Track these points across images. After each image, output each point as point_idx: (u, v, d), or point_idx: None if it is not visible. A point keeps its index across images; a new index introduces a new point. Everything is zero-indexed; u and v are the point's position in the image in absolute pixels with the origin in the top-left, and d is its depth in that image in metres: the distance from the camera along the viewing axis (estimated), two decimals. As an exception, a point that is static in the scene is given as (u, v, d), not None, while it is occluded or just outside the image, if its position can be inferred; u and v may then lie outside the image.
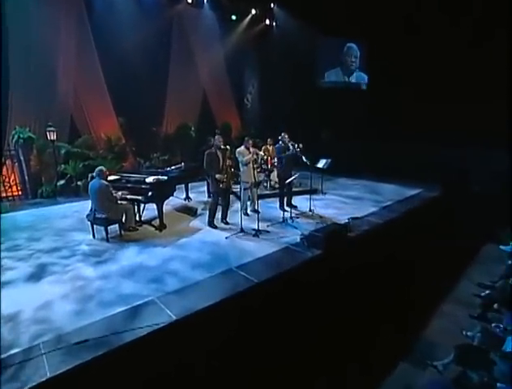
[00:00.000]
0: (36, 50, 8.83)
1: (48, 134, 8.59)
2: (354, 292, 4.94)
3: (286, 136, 7.07)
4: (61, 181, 8.82)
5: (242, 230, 5.98)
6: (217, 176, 6.05)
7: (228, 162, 6.32)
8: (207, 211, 6.54)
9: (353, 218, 6.62)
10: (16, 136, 8.35)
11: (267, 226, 6.31)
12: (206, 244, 5.57)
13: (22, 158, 8.55)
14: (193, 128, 11.94)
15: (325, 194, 8.82)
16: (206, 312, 3.73)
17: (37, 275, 4.52)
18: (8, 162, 8.64)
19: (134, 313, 3.64)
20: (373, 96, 12.34)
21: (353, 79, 13.94)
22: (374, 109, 12.00)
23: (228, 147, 6.31)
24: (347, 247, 5.59)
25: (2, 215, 7.30)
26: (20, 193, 8.78)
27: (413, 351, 4.37)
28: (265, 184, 9.09)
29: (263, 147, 9.16)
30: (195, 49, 12.31)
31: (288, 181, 6.68)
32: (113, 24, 10.00)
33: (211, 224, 6.35)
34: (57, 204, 8.26)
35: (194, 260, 4.95)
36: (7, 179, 8.52)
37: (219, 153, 6.12)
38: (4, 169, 8.56)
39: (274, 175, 8.73)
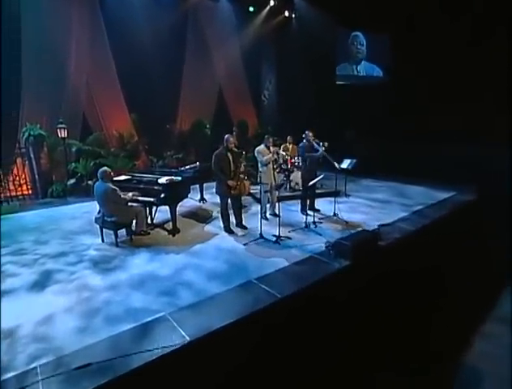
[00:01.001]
0: (47, 45, 8.71)
1: (58, 131, 8.44)
2: (385, 307, 4.49)
3: (310, 134, 6.66)
4: (72, 180, 8.65)
5: (262, 236, 5.59)
6: (229, 182, 5.64)
7: (242, 167, 5.91)
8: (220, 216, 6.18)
9: (382, 224, 6.13)
10: (26, 133, 8.21)
11: (289, 232, 5.90)
12: (223, 251, 5.20)
13: (32, 156, 8.40)
14: (208, 125, 11.64)
15: (349, 196, 8.35)
16: (224, 332, 3.36)
17: (41, 283, 4.24)
18: (18, 160, 8.51)
19: (143, 332, 3.30)
20: (398, 94, 11.75)
21: (361, 71, 13.36)
22: (399, 106, 11.44)
23: (242, 151, 5.94)
24: (377, 258, 5.13)
25: (11, 215, 7.15)
26: (30, 192, 8.64)
27: (453, 377, 3.90)
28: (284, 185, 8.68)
29: (282, 146, 8.76)
30: (211, 43, 12.02)
31: (311, 182, 6.25)
32: (126, 18, 9.79)
33: (227, 229, 5.99)
34: (67, 204, 8.08)
35: (209, 270, 4.59)
36: (17, 178, 8.38)
37: (229, 155, 5.71)
38: (14, 168, 8.44)
39: (294, 176, 8.33)
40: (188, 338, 3.19)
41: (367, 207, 7.59)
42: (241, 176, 5.92)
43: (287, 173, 8.39)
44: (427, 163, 10.01)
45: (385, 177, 10.34)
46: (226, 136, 5.80)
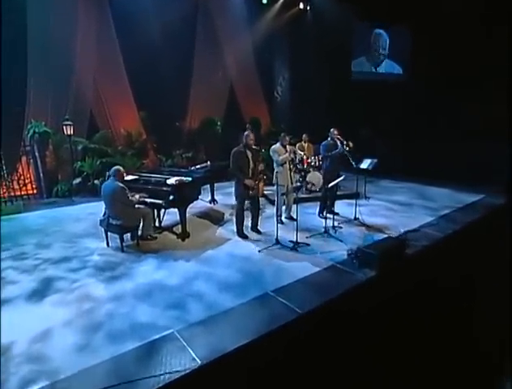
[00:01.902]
0: (54, 41, 8.50)
1: (64, 128, 8.21)
2: (414, 321, 4.10)
3: (336, 132, 6.29)
4: (78, 180, 8.43)
5: (278, 242, 5.24)
6: (246, 181, 5.33)
7: (260, 166, 5.60)
8: (234, 218, 5.85)
9: (409, 230, 5.72)
10: (31, 131, 8.01)
11: (306, 237, 5.54)
12: (236, 258, 4.87)
13: (37, 154, 8.21)
14: (219, 123, 11.30)
15: (368, 198, 7.93)
16: (238, 354, 3.03)
17: (40, 292, 3.97)
18: (23, 159, 8.33)
19: (148, 352, 2.98)
20: (419, 91, 11.26)
21: (381, 70, 12.90)
22: (419, 104, 10.96)
23: (260, 148, 5.61)
24: (405, 267, 4.73)
25: (14, 216, 6.95)
26: (35, 191, 8.44)
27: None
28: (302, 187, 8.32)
29: (297, 145, 8.42)
30: (222, 37, 11.68)
31: (332, 183, 5.87)
32: (134, 11, 9.48)
33: (240, 233, 5.66)
34: (72, 204, 7.86)
35: (221, 279, 4.26)
36: (22, 177, 8.18)
37: (248, 153, 5.41)
38: (19, 166, 8.26)
39: (310, 176, 7.96)
40: (199, 361, 2.87)
41: (388, 211, 7.17)
42: (260, 175, 5.62)
43: (303, 173, 8.02)
44: (449, 163, 9.54)
45: (404, 178, 9.90)
46: (246, 132, 5.52)
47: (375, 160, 7.54)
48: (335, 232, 5.82)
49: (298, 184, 7.09)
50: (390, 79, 12.66)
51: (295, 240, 5.25)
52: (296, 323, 3.50)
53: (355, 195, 7.96)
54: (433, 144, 10.23)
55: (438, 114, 10.62)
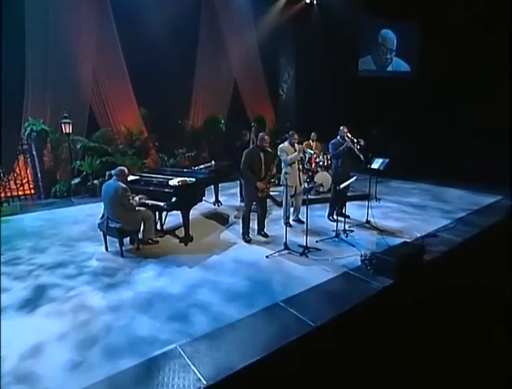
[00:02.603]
0: (52, 35, 8.33)
1: (63, 126, 8.03)
2: (435, 332, 3.84)
3: (345, 130, 6.03)
4: (76, 180, 8.22)
5: (286, 247, 4.99)
6: (258, 184, 5.13)
7: (273, 169, 5.43)
8: (240, 221, 5.61)
9: (426, 235, 5.45)
10: (29, 129, 7.80)
11: (316, 242, 5.29)
12: (243, 264, 4.62)
13: (35, 153, 8.00)
14: (223, 121, 11.06)
15: (379, 200, 7.65)
16: (248, 372, 2.79)
17: (33, 301, 3.74)
18: (20, 158, 8.14)
19: (148, 370, 2.74)
20: (429, 88, 10.96)
21: (390, 68, 12.66)
22: (430, 102, 10.66)
23: (275, 151, 5.46)
24: (423, 275, 4.47)
25: (10, 217, 6.75)
26: (33, 192, 8.25)
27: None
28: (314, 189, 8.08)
29: (305, 143, 8.15)
30: (226, 32, 11.44)
31: (344, 184, 5.62)
32: (136, 4, 9.28)
33: (246, 237, 5.44)
34: (70, 205, 7.66)
35: (228, 288, 4.02)
36: (19, 176, 7.99)
37: (261, 155, 5.19)
38: (16, 166, 8.06)
39: (318, 177, 7.70)
40: (204, 381, 2.63)
41: (401, 213, 6.90)
42: (271, 180, 5.45)
43: (310, 173, 7.76)
44: (463, 163, 9.25)
45: (416, 179, 9.63)
46: (261, 134, 5.32)
47: (387, 160, 7.25)
48: (346, 236, 5.57)
49: (308, 185, 6.83)
50: (399, 77, 12.40)
51: (304, 244, 5.01)
52: (309, 337, 3.25)
53: (365, 197, 7.75)
54: (444, 143, 9.94)
55: (450, 113, 10.33)
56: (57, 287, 4.04)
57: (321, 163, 7.88)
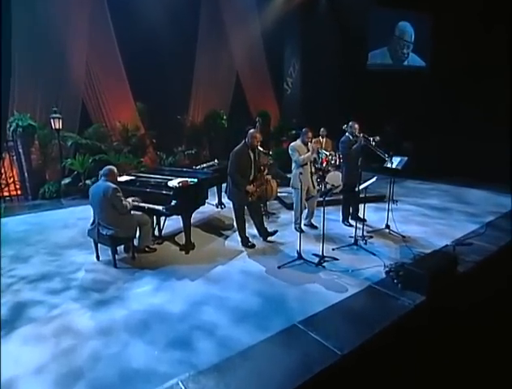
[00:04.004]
0: (41, 22, 7.87)
1: (52, 121, 7.60)
2: (477, 357, 3.40)
3: (356, 126, 5.62)
4: (67, 180, 7.81)
5: (300, 256, 4.54)
6: (248, 188, 4.74)
7: (265, 170, 5.06)
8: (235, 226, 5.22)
9: (458, 243, 5.00)
10: (14, 124, 7.35)
11: (333, 250, 4.85)
12: (252, 276, 4.17)
13: (21, 151, 7.55)
14: (224, 116, 10.63)
15: (396, 202, 7.19)
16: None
17: (9, 323, 3.27)
18: (6, 155, 7.70)
19: (144, 417, 2.30)
20: (446, 82, 10.53)
21: (405, 63, 12.23)
22: (447, 97, 10.24)
23: (268, 151, 5.14)
24: (458, 290, 4.02)
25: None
26: (19, 192, 7.80)
27: None
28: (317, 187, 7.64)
29: (314, 140, 7.67)
30: (227, 22, 11.01)
31: (364, 185, 5.18)
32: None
33: (245, 242, 5.06)
34: (60, 208, 7.24)
35: (236, 305, 3.57)
36: (4, 176, 7.54)
37: (251, 155, 4.80)
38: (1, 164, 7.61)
39: (330, 177, 7.25)
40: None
41: (423, 217, 6.47)
42: (268, 177, 5.04)
43: (321, 173, 7.31)
44: (482, 162, 8.80)
45: (432, 178, 9.20)
46: (250, 131, 4.86)
47: (405, 159, 6.82)
48: (365, 243, 5.13)
49: (319, 185, 6.41)
50: (413, 71, 11.98)
51: (320, 253, 4.56)
52: (335, 368, 2.81)
53: (380, 198, 7.33)
54: (462, 141, 9.50)
55: (468, 109, 9.89)
56: (39, 304, 3.59)
57: (332, 161, 7.43)
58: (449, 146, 9.72)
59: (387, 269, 4.25)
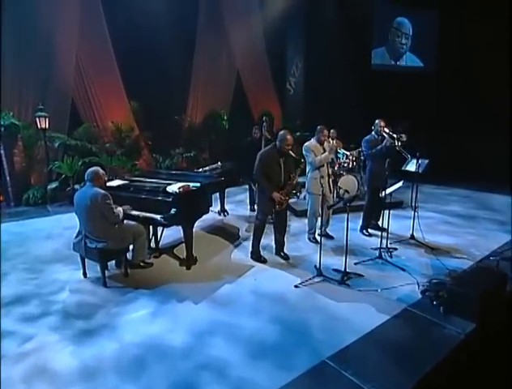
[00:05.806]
0: (28, 14, 7.31)
1: (37, 120, 7.08)
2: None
3: (382, 124, 5.17)
4: (54, 184, 7.28)
5: (320, 273, 3.99)
6: (274, 195, 4.19)
7: (296, 178, 4.49)
8: (251, 236, 4.63)
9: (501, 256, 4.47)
10: (-5, 123, 6.79)
11: (355, 264, 4.31)
12: (266, 298, 3.61)
13: (2, 152, 7.02)
14: (225, 117, 10.16)
15: (417, 209, 6.68)
16: None
17: (-30, 361, 2.69)
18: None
19: None
20: (456, 81, 10.15)
21: (403, 63, 11.97)
22: (462, 94, 9.86)
23: (298, 157, 4.61)
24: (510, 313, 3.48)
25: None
26: (1, 198, 7.23)
27: None
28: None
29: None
30: (227, 18, 10.53)
31: (390, 190, 4.66)
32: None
33: (256, 254, 4.51)
34: (46, 215, 6.66)
35: (250, 335, 3.00)
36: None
37: (281, 160, 4.26)
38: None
39: (343, 181, 6.74)
40: None
41: (448, 225, 5.96)
42: (291, 190, 4.60)
43: (333, 177, 6.79)
44: (502, 164, 8.37)
45: (450, 183, 8.72)
46: (282, 133, 4.30)
47: (426, 161, 6.34)
48: (391, 255, 4.60)
49: (339, 192, 5.89)
50: (421, 70, 11.64)
51: (342, 268, 4.02)
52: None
53: (398, 204, 6.84)
54: (479, 142, 9.10)
55: (483, 108, 9.51)
56: (10, 336, 2.99)
57: (345, 164, 6.93)
58: (462, 149, 9.34)
59: (423, 288, 3.72)
